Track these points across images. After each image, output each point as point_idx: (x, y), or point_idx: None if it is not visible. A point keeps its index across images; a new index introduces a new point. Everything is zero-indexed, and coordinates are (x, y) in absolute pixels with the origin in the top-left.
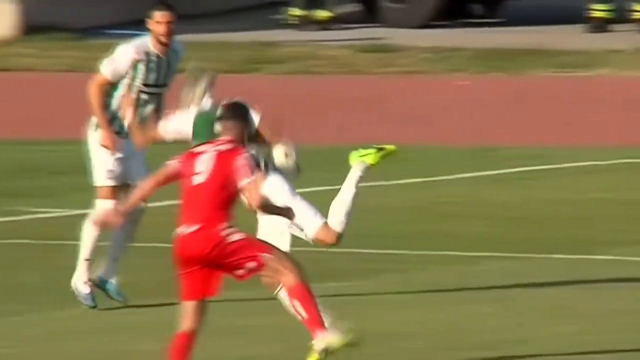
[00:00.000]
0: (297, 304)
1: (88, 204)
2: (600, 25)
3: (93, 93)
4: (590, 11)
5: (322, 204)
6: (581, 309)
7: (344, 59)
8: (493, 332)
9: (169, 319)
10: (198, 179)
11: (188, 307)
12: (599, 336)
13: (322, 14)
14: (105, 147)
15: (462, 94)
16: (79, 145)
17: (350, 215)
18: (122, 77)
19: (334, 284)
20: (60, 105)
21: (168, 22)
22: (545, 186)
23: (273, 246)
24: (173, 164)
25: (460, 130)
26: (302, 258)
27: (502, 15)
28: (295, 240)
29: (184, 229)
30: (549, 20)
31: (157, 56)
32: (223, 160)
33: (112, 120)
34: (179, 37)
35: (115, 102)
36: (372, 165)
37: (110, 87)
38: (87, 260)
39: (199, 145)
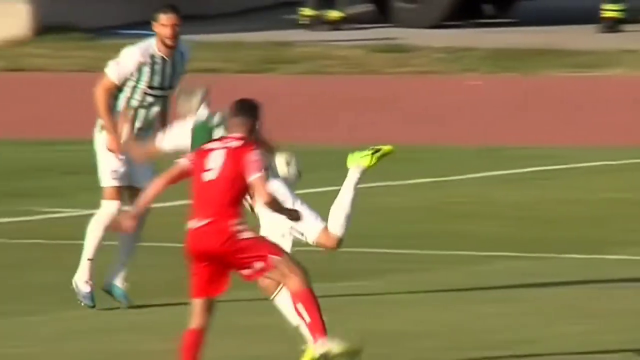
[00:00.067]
0: (302, 307)
1: (99, 204)
2: (612, 25)
3: (99, 96)
4: (602, 11)
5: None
6: (593, 309)
7: (357, 59)
8: (503, 331)
9: (176, 319)
10: (209, 176)
11: (197, 305)
12: (610, 336)
13: (334, 14)
14: (112, 150)
15: (474, 93)
16: (90, 145)
17: (350, 218)
18: (128, 79)
19: (343, 283)
20: (73, 105)
21: (173, 25)
22: (556, 186)
23: (282, 248)
24: (183, 162)
25: (472, 130)
26: (311, 258)
27: (514, 16)
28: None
29: (195, 223)
30: (560, 20)
31: (162, 59)
32: (234, 156)
33: (117, 122)
34: (194, 38)
35: (121, 104)
36: (369, 167)
37: (116, 90)
38: (89, 260)
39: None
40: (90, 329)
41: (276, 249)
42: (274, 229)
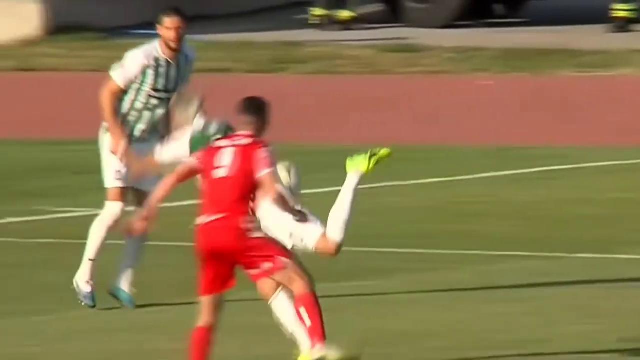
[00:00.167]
0: (304, 311)
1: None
2: (623, 25)
3: (105, 100)
4: (613, 11)
5: None
6: (601, 309)
7: (368, 59)
8: (510, 331)
9: (184, 319)
10: (220, 173)
11: (206, 302)
12: (619, 335)
13: (345, 14)
14: (116, 154)
15: (485, 93)
16: None
17: (349, 223)
18: (133, 82)
19: (348, 283)
20: (84, 105)
21: (178, 28)
22: (565, 186)
23: (290, 251)
24: (192, 161)
25: (481, 130)
26: (316, 257)
27: (524, 15)
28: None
29: (205, 218)
30: (571, 20)
31: (167, 61)
32: (244, 154)
33: (122, 124)
34: (204, 37)
35: (126, 106)
36: (367, 172)
37: (121, 93)
38: (91, 260)
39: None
40: (97, 328)
41: (285, 251)
42: (275, 233)
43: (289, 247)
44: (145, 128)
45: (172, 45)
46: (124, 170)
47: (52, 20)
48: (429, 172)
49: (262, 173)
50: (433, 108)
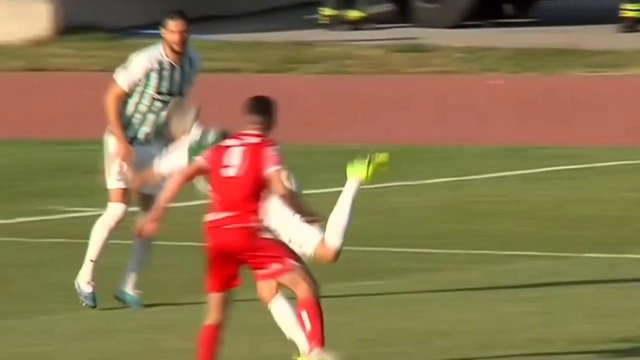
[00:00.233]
0: (305, 315)
1: None
2: (632, 25)
3: (109, 104)
4: (622, 11)
5: None
6: (611, 308)
7: (378, 59)
8: (522, 330)
9: (192, 318)
10: (229, 172)
11: (214, 300)
12: (629, 334)
13: (354, 14)
14: (122, 158)
15: (495, 93)
16: None
17: (348, 229)
18: (137, 85)
19: (362, 282)
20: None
21: (182, 31)
22: (577, 186)
23: (297, 255)
24: (199, 160)
25: (492, 130)
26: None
27: (534, 15)
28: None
29: (215, 216)
30: (580, 20)
31: (170, 64)
32: (253, 153)
33: (126, 127)
34: (214, 37)
35: (130, 109)
36: (366, 180)
37: (126, 96)
38: (92, 261)
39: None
40: (105, 328)
41: (293, 254)
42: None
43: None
44: (149, 131)
45: (176, 48)
46: (127, 171)
47: (62, 20)
48: (439, 171)
49: (270, 170)
50: (443, 108)
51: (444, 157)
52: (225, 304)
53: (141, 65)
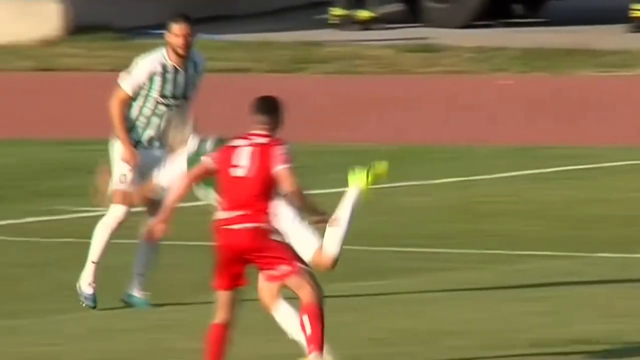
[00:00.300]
0: (307, 320)
1: None
2: None
3: (114, 108)
4: (632, 11)
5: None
6: (622, 308)
7: (388, 58)
8: (532, 330)
9: (201, 318)
10: (238, 172)
11: (222, 298)
12: None
13: (364, 14)
14: (126, 162)
15: (504, 93)
16: None
17: (346, 237)
18: (140, 89)
19: (371, 282)
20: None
21: (185, 35)
22: (587, 186)
23: (304, 261)
24: (207, 161)
25: (502, 130)
26: (343, 257)
27: (544, 15)
28: None
29: (227, 214)
30: (590, 20)
31: (174, 68)
32: (262, 152)
33: (130, 130)
34: (224, 37)
35: (134, 112)
36: (364, 189)
37: (130, 100)
38: (94, 263)
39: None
40: (114, 327)
41: (301, 259)
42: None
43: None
44: (154, 134)
45: (180, 51)
46: (131, 174)
47: (71, 20)
48: (448, 171)
49: (279, 168)
50: (453, 108)
51: (454, 157)
52: (233, 303)
53: (145, 68)
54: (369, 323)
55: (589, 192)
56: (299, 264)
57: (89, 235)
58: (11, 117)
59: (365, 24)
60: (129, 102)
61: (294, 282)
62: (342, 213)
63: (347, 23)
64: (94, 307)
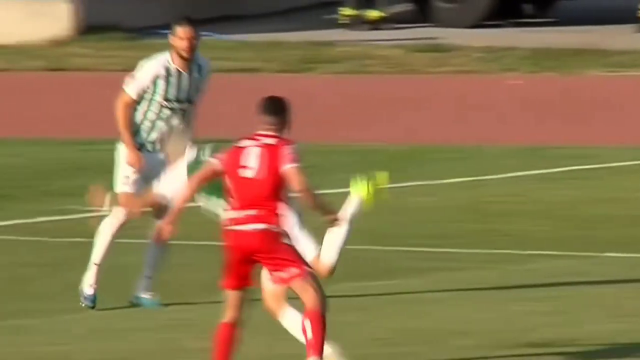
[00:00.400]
0: (308, 325)
1: None
2: None
3: (119, 112)
4: None
5: None
6: (630, 307)
7: (397, 58)
8: (540, 330)
9: (210, 318)
10: (247, 173)
11: (231, 297)
12: None
13: (374, 13)
14: (131, 165)
15: (514, 93)
16: None
17: (344, 247)
18: (145, 92)
19: (380, 282)
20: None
21: (190, 38)
22: (595, 185)
23: (310, 265)
24: (214, 162)
25: (511, 129)
26: (352, 256)
27: (553, 15)
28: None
29: (237, 214)
30: (600, 20)
31: (178, 71)
32: (271, 153)
33: (135, 134)
34: (234, 37)
35: (139, 116)
36: (365, 199)
37: (135, 104)
38: (96, 264)
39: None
40: (123, 327)
41: (308, 264)
42: None
43: None
44: (159, 138)
45: (184, 55)
46: (135, 177)
47: (82, 20)
48: (457, 171)
49: (287, 167)
50: (462, 107)
51: (463, 157)
52: (242, 302)
53: (148, 72)
54: (377, 322)
55: (597, 192)
56: (307, 268)
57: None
58: (21, 117)
59: (375, 24)
60: (133, 105)
61: (299, 285)
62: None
63: (357, 23)
64: (93, 307)
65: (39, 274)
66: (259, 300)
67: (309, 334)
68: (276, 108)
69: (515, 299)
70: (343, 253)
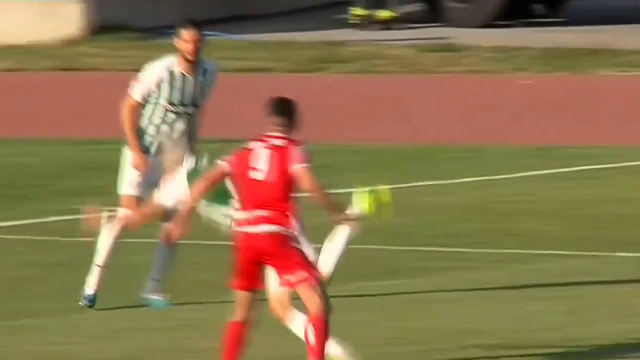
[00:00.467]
0: (311, 331)
1: None
2: None
3: (125, 116)
4: None
5: None
6: None
7: (408, 58)
8: (552, 330)
9: (218, 317)
10: (257, 175)
11: (242, 297)
12: None
13: (385, 14)
14: (136, 168)
15: (525, 93)
16: None
17: (342, 256)
18: (150, 96)
19: (391, 282)
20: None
21: (196, 41)
22: (607, 185)
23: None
24: (223, 164)
25: (522, 129)
26: (361, 256)
27: (564, 15)
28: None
29: (248, 214)
30: (611, 20)
31: (182, 75)
32: (280, 155)
33: (140, 138)
34: (245, 37)
35: (144, 120)
36: (368, 212)
37: (141, 107)
38: (99, 266)
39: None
40: (135, 326)
41: (318, 270)
42: None
43: None
44: (163, 142)
45: (190, 58)
46: (140, 180)
47: (93, 20)
48: (468, 171)
49: (297, 167)
50: (473, 108)
51: (473, 157)
52: (252, 303)
53: (152, 75)
54: (388, 322)
55: (608, 192)
56: (315, 273)
57: None
58: (33, 117)
59: (386, 24)
60: (139, 109)
61: (306, 290)
62: (341, 233)
63: (368, 23)
64: (91, 307)
65: (49, 273)
66: (266, 300)
67: (312, 341)
68: (284, 109)
69: (525, 298)
70: (349, 254)
